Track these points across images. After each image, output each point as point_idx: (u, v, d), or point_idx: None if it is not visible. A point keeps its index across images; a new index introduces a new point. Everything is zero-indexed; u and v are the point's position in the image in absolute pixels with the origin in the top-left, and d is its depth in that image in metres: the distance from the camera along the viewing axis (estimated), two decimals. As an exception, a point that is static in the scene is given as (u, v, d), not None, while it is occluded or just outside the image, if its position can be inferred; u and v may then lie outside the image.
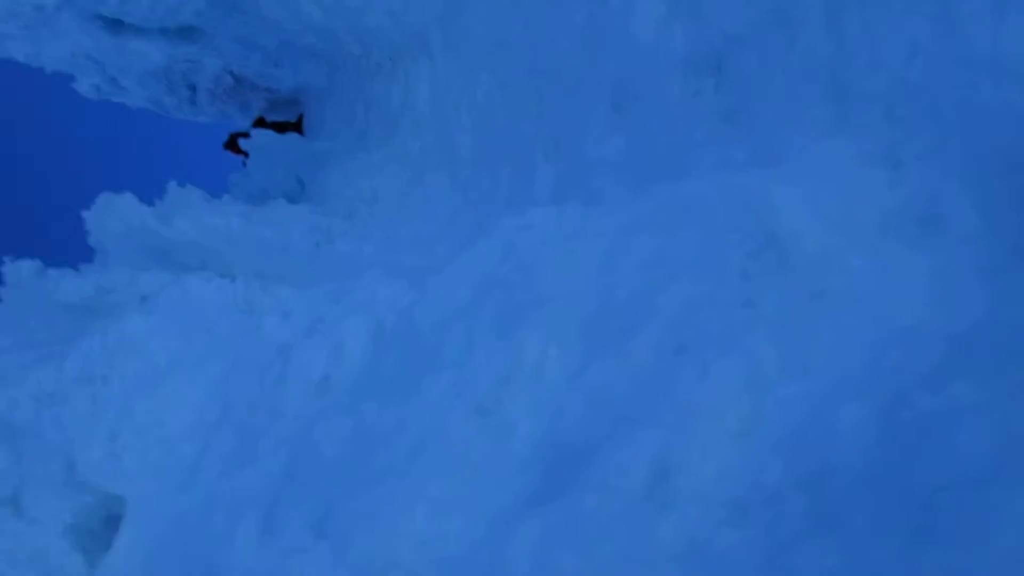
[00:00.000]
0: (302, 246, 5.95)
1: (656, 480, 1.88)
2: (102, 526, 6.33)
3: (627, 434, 1.99)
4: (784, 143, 2.92)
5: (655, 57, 3.87)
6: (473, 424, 2.52)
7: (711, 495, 1.79)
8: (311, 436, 3.43)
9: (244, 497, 3.94)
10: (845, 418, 1.65)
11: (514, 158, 5.43)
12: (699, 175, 2.68)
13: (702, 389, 1.87)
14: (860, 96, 2.67)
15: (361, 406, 3.09)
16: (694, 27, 3.74)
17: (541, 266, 2.52)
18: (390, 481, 2.83)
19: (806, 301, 2.07)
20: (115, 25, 11.15)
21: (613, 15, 4.25)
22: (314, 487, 3.33)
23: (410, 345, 3.02)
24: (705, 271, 2.15)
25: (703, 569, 1.79)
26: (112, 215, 7.72)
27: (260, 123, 13.56)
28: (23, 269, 7.67)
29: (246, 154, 13.41)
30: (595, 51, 4.45)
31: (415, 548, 2.66)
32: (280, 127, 13.30)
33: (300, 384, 3.66)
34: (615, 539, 1.97)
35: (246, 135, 13.15)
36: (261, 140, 11.12)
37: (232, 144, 14.00)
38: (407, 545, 2.68)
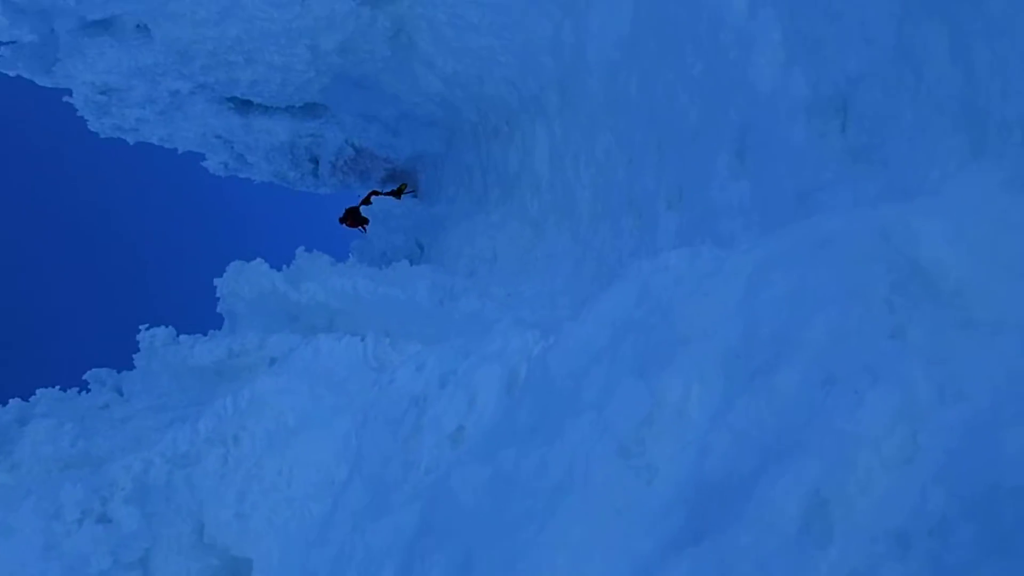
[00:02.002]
0: (427, 304, 6.17)
1: (813, 513, 1.89)
2: (228, 590, 6.53)
3: (779, 468, 2.00)
4: (919, 176, 2.92)
5: (777, 102, 3.92)
6: (615, 467, 2.57)
7: (872, 527, 1.79)
8: (447, 485, 3.53)
9: (379, 551, 4.05)
10: (1010, 442, 1.64)
11: (635, 209, 5.55)
12: (833, 212, 2.70)
13: (856, 419, 1.88)
14: (996, 124, 2.65)
15: (498, 453, 3.18)
16: (815, 70, 3.79)
17: (678, 306, 2.58)
18: (531, 527, 2.89)
19: (956, 330, 2.06)
20: (244, 106, 11.97)
21: (731, 65, 4.34)
22: (452, 536, 3.42)
23: (545, 391, 3.11)
24: (849, 304, 2.16)
25: (866, 604, 1.77)
26: (243, 281, 8.20)
27: (375, 193, 14.18)
28: (157, 336, 8.21)
29: (363, 226, 14.05)
30: (715, 100, 4.54)
31: (558, 593, 2.70)
32: (397, 193, 13.88)
33: (435, 434, 3.79)
34: (770, 576, 1.97)
35: (357, 212, 13.80)
36: (381, 206, 11.65)
37: (348, 217, 14.67)
38: (550, 591, 2.72)
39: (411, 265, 8.28)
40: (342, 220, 14.89)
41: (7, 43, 10.39)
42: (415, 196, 14.12)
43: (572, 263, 6.41)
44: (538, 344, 3.59)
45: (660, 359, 2.55)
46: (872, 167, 3.15)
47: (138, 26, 9.73)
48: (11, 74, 10.91)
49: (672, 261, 2.91)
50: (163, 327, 8.30)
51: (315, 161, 14.15)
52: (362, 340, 5.66)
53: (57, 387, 7.54)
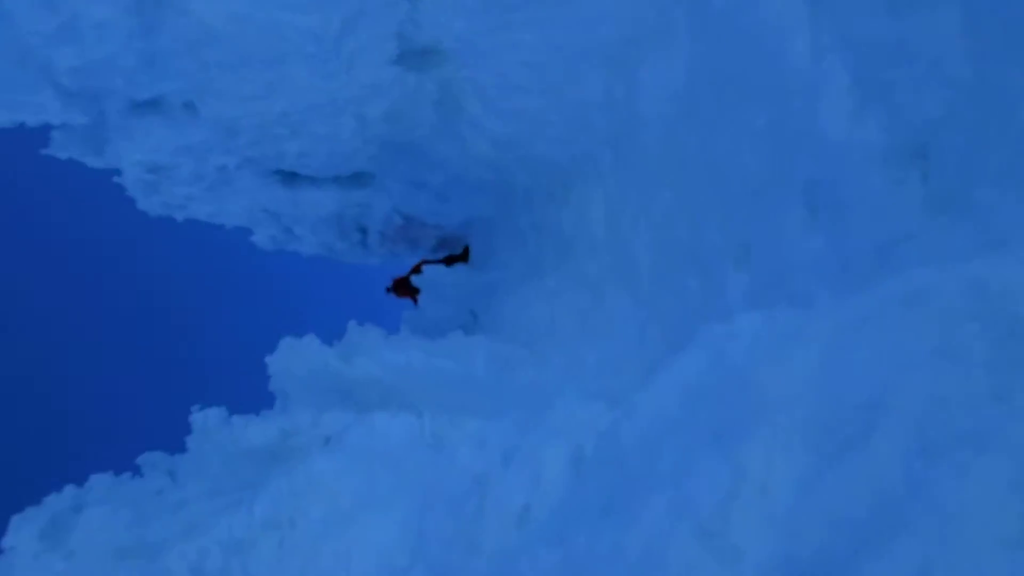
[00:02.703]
0: (484, 376, 6.17)
1: (921, 598, 1.80)
2: None
3: (878, 548, 1.92)
4: (1011, 225, 2.84)
5: (849, 152, 3.88)
6: (696, 548, 2.49)
7: (989, 612, 1.69)
8: (515, 570, 3.46)
9: (444, 641, 3.98)
10: None
11: (700, 269, 5.51)
12: (919, 267, 2.63)
13: (962, 492, 1.79)
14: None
15: (568, 535, 3.12)
16: (888, 116, 3.74)
17: (756, 372, 2.52)
18: (606, 615, 2.81)
19: (1068, 391, 1.97)
20: (290, 178, 12.26)
21: (797, 115, 4.32)
22: (521, 625, 3.33)
23: (616, 467, 3.05)
24: (945, 366, 2.09)
25: None
26: (295, 358, 8.30)
27: (424, 262, 14.32)
28: (209, 417, 8.33)
29: (412, 296, 14.14)
30: (781, 152, 4.51)
31: None
32: (448, 260, 13.98)
33: (499, 516, 3.73)
34: (877, 668, 1.87)
35: (407, 281, 13.92)
36: (431, 276, 11.74)
37: (397, 288, 14.81)
38: None
39: (465, 336, 8.31)
40: (391, 290, 15.05)
41: (59, 127, 10.89)
42: (466, 263, 14.23)
43: (635, 328, 6.37)
44: (605, 416, 3.54)
45: (739, 430, 2.48)
46: (957, 217, 3.08)
47: (185, 104, 10.09)
48: (63, 157, 11.39)
49: (745, 324, 2.86)
50: (215, 407, 8.44)
51: (363, 231, 14.36)
52: (419, 417, 5.67)
53: (111, 472, 7.68)
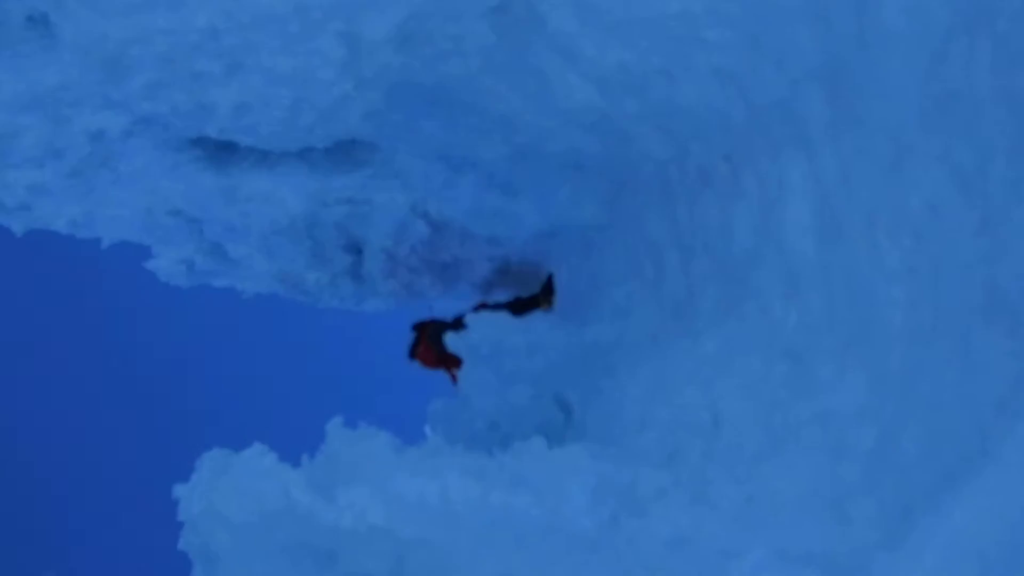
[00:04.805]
0: (588, 525, 6.16)
1: None
2: None
3: None
4: None
5: None
6: None
7: None
8: None
9: None
10: None
11: (1002, 315, 5.43)
12: None
13: None
14: None
15: None
16: None
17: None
18: None
19: None
20: (223, 154, 12.37)
21: None
22: None
23: None
24: None
25: None
26: (228, 489, 8.38)
27: (481, 306, 14.44)
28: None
29: (450, 368, 14.21)
30: None
31: None
32: (516, 306, 14.03)
33: None
34: None
35: (439, 338, 13.97)
36: (486, 332, 11.77)
37: (425, 352, 14.88)
38: None
39: (551, 446, 8.28)
40: (417, 355, 15.15)
41: None
42: (549, 309, 14.22)
43: (876, 430, 6.25)
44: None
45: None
46: None
47: (31, 19, 10.28)
48: None
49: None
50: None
51: (356, 250, 14.43)
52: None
53: None
